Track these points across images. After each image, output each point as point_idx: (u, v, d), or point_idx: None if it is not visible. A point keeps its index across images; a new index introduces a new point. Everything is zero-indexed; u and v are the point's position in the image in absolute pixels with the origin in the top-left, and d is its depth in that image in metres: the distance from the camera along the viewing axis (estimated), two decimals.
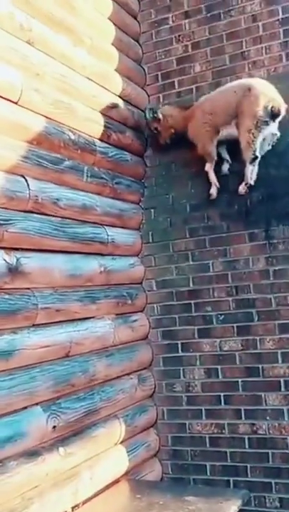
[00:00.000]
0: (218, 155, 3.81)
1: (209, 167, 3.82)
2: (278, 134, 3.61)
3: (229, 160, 3.81)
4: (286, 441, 3.47)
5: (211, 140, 3.79)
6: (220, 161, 3.83)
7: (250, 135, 3.53)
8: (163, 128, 3.99)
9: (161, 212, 4.04)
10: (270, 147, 3.66)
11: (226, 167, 3.82)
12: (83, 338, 3.18)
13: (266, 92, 3.55)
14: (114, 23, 3.91)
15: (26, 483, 2.60)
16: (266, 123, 3.52)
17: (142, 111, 4.12)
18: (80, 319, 3.21)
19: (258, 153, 3.57)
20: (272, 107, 3.49)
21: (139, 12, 4.29)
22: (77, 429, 3.03)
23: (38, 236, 2.90)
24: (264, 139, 3.59)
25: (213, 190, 3.82)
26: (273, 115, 3.51)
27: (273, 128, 3.57)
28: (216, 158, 3.82)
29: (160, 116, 3.96)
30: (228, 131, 3.72)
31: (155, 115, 3.96)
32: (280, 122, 3.59)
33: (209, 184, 3.83)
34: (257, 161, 3.60)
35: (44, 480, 2.72)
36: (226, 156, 3.82)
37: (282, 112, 3.52)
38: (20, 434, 2.59)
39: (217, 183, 3.81)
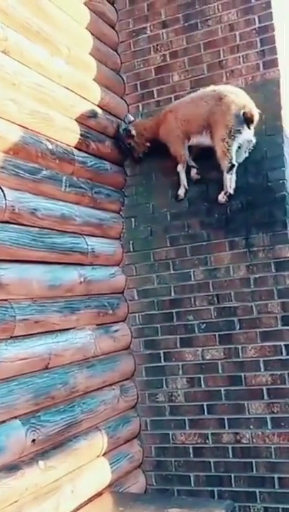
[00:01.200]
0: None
1: (181, 168, 3.85)
2: (254, 140, 3.62)
3: (195, 165, 3.84)
4: (270, 450, 3.46)
5: (182, 143, 3.83)
6: (187, 168, 3.86)
7: (224, 144, 3.55)
8: (137, 143, 4.00)
9: (142, 222, 4.03)
10: (247, 154, 3.67)
11: (194, 172, 3.85)
12: (63, 350, 3.14)
13: (237, 101, 3.57)
14: (91, 33, 3.91)
15: (5, 498, 2.55)
16: (239, 131, 3.54)
17: (119, 124, 4.13)
18: (59, 330, 3.17)
19: (234, 162, 3.58)
20: (244, 114, 3.51)
21: (116, 22, 4.30)
22: (57, 442, 2.99)
23: (15, 247, 2.86)
24: (240, 147, 3.60)
25: (181, 192, 3.87)
26: (247, 122, 3.52)
27: (249, 135, 3.58)
28: (187, 159, 3.85)
29: (133, 132, 3.96)
30: (199, 140, 3.75)
31: (128, 133, 3.96)
32: (256, 130, 3.61)
33: (185, 190, 3.87)
34: (234, 169, 3.61)
35: (24, 495, 2.67)
36: (191, 162, 3.86)
37: (256, 118, 3.54)
38: None
39: (186, 185, 3.86)
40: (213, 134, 3.61)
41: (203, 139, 3.72)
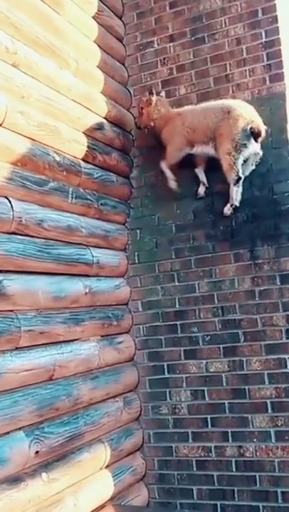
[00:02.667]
0: (196, 178, 3.83)
1: (165, 166, 3.92)
2: (261, 153, 3.64)
3: (206, 183, 3.83)
4: (273, 464, 3.44)
5: (181, 150, 3.86)
6: (197, 183, 3.86)
7: (230, 157, 3.58)
8: (146, 113, 3.99)
9: (147, 233, 4.04)
10: (253, 167, 3.69)
11: (202, 190, 3.84)
12: (67, 361, 3.14)
13: (245, 115, 3.60)
14: (99, 46, 3.95)
15: (8, 510, 2.53)
16: (245, 145, 3.56)
17: (128, 132, 4.18)
18: (64, 341, 3.18)
19: (241, 174, 3.60)
20: (251, 128, 3.54)
21: (124, 35, 4.34)
22: (60, 454, 2.98)
23: (21, 258, 2.87)
24: (247, 159, 3.62)
25: (173, 184, 3.91)
26: (254, 136, 3.55)
27: (256, 148, 3.61)
28: (198, 175, 3.88)
29: (154, 101, 3.96)
30: (203, 149, 3.78)
31: (150, 97, 3.95)
32: (262, 144, 3.63)
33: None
34: (241, 181, 3.62)
35: (26, 507, 2.65)
36: (203, 178, 3.85)
37: (263, 133, 3.56)
38: (2, 460, 2.53)
39: (174, 177, 3.90)
40: (219, 146, 3.64)
41: (207, 150, 3.75)
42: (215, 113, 3.69)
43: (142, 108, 4.01)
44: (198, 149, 3.81)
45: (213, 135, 3.69)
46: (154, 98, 3.96)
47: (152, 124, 3.98)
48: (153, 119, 3.97)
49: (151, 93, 3.96)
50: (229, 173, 3.61)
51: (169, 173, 3.92)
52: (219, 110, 3.68)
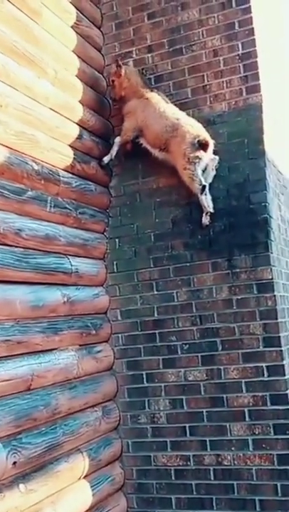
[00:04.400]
0: (199, 204, 3.73)
1: (118, 141, 4.05)
2: (217, 158, 3.74)
3: (211, 209, 3.70)
4: (251, 472, 3.46)
5: (134, 132, 4.00)
6: (201, 210, 3.74)
7: (187, 172, 3.71)
8: (118, 84, 4.04)
9: (126, 242, 4.05)
10: (214, 172, 3.77)
11: (206, 218, 3.72)
12: (45, 371, 3.12)
13: (191, 130, 3.74)
14: (78, 56, 3.96)
15: None
16: (197, 157, 3.68)
17: (107, 141, 4.18)
18: (42, 351, 3.16)
19: (204, 183, 3.68)
20: (198, 142, 3.67)
21: (103, 45, 4.37)
22: (38, 465, 2.96)
23: None
24: (206, 168, 3.72)
25: (106, 158, 4.05)
26: (203, 147, 3.67)
27: (210, 156, 3.72)
28: (129, 141, 4.03)
29: (122, 72, 4.01)
30: (146, 146, 3.96)
31: (119, 68, 4.01)
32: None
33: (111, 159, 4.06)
34: (207, 189, 3.69)
35: None
36: (209, 203, 3.71)
37: (211, 143, 3.68)
38: None
39: (113, 156, 4.04)
40: (175, 162, 3.82)
41: (155, 152, 3.91)
42: (167, 126, 3.83)
43: (113, 81, 4.06)
44: (142, 142, 3.97)
45: (164, 146, 3.84)
46: (123, 68, 4.02)
47: (123, 93, 4.05)
48: (123, 87, 4.03)
49: (118, 65, 4.01)
50: (192, 185, 3.70)
51: (114, 151, 4.04)
52: (170, 125, 3.82)
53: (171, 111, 3.89)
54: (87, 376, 3.59)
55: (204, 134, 3.73)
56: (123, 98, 4.06)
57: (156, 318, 3.86)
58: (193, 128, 3.76)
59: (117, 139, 4.05)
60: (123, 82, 4.02)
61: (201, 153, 3.67)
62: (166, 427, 3.72)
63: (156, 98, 3.95)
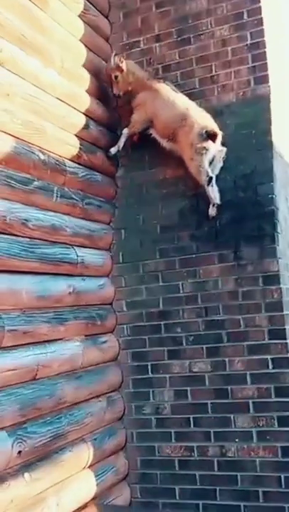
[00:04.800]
0: (206, 196, 3.71)
1: (126, 132, 4.02)
2: (224, 149, 3.71)
3: (217, 201, 3.68)
4: (255, 464, 3.47)
5: (144, 123, 3.98)
6: (207, 202, 3.71)
7: (194, 163, 3.69)
8: (122, 79, 3.98)
9: (132, 233, 4.04)
10: (221, 163, 3.74)
11: (213, 209, 3.70)
12: (51, 361, 3.13)
13: (199, 121, 3.70)
14: (85, 45, 3.94)
15: None
16: (205, 148, 3.64)
17: (114, 131, 4.16)
18: (48, 341, 3.16)
19: (211, 174, 3.66)
20: (206, 132, 3.63)
21: (110, 35, 4.34)
22: (43, 454, 2.97)
23: (5, 257, 2.86)
24: (213, 159, 3.69)
25: (114, 150, 4.03)
26: (211, 138, 3.64)
27: (217, 147, 3.69)
28: (137, 133, 4.02)
29: (124, 67, 3.96)
30: (155, 136, 3.94)
31: (120, 63, 3.96)
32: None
33: (118, 150, 4.04)
34: (214, 180, 3.66)
35: (9, 507, 2.65)
36: (216, 195, 3.69)
37: (219, 134, 3.65)
38: None
39: (121, 147, 4.04)
40: (182, 152, 3.79)
41: (163, 142, 3.89)
42: (175, 116, 3.80)
43: (116, 76, 3.99)
44: (152, 132, 3.94)
45: (172, 136, 3.80)
46: (125, 63, 3.97)
47: (130, 88, 4.01)
48: (129, 82, 3.99)
49: (120, 60, 3.96)
50: (199, 176, 3.68)
51: (122, 142, 4.02)
52: (180, 115, 3.78)
53: (181, 100, 3.86)
54: (92, 366, 3.60)
55: (213, 125, 3.70)
56: (129, 92, 4.02)
57: (161, 309, 3.85)
58: (202, 118, 3.73)
59: (125, 131, 4.03)
60: (128, 76, 3.97)
61: (208, 144, 3.65)
62: (170, 417, 3.73)
63: (165, 88, 3.92)
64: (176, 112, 3.81)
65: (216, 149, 3.69)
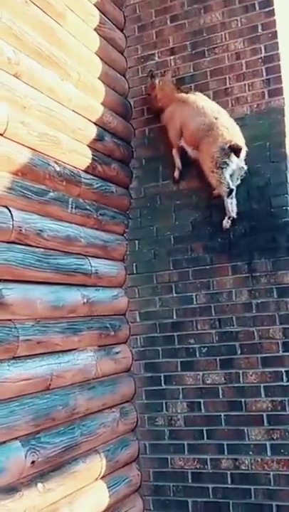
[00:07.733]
0: (222, 208, 3.70)
1: (175, 152, 4.00)
2: (245, 167, 3.69)
3: (233, 214, 3.68)
4: (269, 477, 3.44)
5: (179, 135, 3.95)
6: (221, 213, 3.73)
7: (215, 175, 3.65)
8: (153, 96, 4.06)
9: (146, 244, 4.06)
10: (238, 181, 3.72)
11: (227, 221, 3.70)
12: (64, 371, 3.14)
13: (225, 134, 3.64)
14: (101, 58, 3.99)
15: None
16: (225, 163, 3.61)
17: (128, 143, 4.22)
18: (61, 351, 3.18)
19: (232, 186, 3.64)
20: (229, 147, 3.58)
21: (125, 48, 4.38)
22: (56, 464, 2.97)
23: (20, 267, 2.88)
24: (232, 174, 3.67)
25: (176, 174, 4.01)
26: (234, 152, 3.59)
27: (239, 163, 3.65)
28: (179, 145, 3.96)
29: (156, 83, 4.04)
30: (188, 149, 3.91)
31: (152, 80, 4.05)
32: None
33: (179, 172, 4.01)
34: (234, 193, 3.65)
35: None
36: (233, 208, 3.69)
37: (243, 149, 3.61)
38: None
39: (180, 167, 3.98)
40: (202, 162, 3.75)
41: (190, 152, 3.88)
42: (203, 124, 3.75)
43: (149, 94, 4.09)
44: (182, 143, 3.92)
45: (198, 144, 3.77)
46: (156, 80, 4.04)
47: (160, 104, 4.05)
48: (159, 98, 4.04)
49: (152, 76, 4.05)
50: (219, 187, 3.66)
51: (177, 161, 3.99)
52: (207, 124, 3.73)
53: (211, 108, 3.82)
54: (105, 377, 3.60)
55: (238, 139, 3.65)
56: (161, 108, 4.06)
57: (174, 320, 3.85)
58: (228, 131, 3.66)
59: (174, 151, 4.00)
60: (157, 93, 4.03)
61: (230, 159, 3.60)
62: (183, 429, 3.71)
63: (193, 98, 3.92)
64: (204, 120, 3.75)
65: (236, 165, 3.64)
